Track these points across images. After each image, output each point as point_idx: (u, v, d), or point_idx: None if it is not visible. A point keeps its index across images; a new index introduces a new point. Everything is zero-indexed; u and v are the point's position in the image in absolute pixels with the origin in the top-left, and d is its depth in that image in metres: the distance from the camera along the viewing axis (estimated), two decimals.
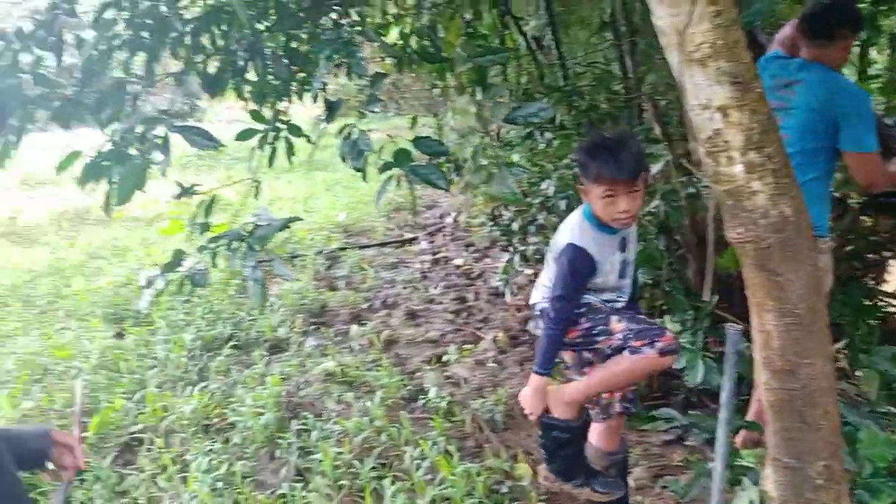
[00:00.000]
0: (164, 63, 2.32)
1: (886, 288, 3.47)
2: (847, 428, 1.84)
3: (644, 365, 1.88)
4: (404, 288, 4.89)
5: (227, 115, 14.29)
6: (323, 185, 9.09)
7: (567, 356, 2.16)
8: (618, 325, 1.91)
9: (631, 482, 2.57)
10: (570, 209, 4.56)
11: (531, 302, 2.16)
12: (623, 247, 1.96)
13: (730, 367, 1.82)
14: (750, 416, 2.47)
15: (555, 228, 4.95)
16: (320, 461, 2.70)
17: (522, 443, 2.84)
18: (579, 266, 1.88)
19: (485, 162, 2.02)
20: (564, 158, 4.35)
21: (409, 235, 6.48)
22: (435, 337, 3.98)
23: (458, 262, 5.47)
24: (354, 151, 1.86)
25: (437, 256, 5.72)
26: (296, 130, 2.28)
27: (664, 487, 2.46)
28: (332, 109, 2.09)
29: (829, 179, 2.34)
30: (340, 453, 2.75)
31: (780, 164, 1.29)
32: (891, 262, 3.58)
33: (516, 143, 4.36)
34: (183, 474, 2.73)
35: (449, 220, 6.80)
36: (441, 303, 4.57)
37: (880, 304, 3.19)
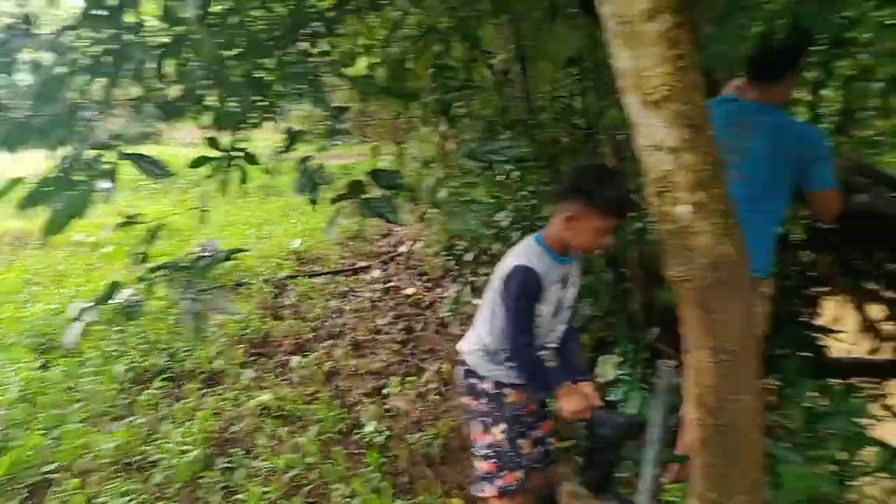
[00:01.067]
0: (123, 85, 2.25)
1: (820, 322, 3.51)
2: (772, 461, 1.82)
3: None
4: (352, 317, 4.77)
5: (183, 137, 14.10)
6: (279, 211, 8.95)
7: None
8: (497, 432, 2.00)
9: None
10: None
11: (459, 347, 2.10)
12: (564, 283, 1.93)
13: (660, 403, 1.77)
14: (679, 450, 2.43)
15: None
16: (244, 501, 2.55)
17: (458, 477, 2.73)
18: (528, 287, 1.84)
19: (444, 195, 2.01)
20: (522, 190, 4.35)
21: (362, 263, 6.37)
22: (378, 368, 3.86)
23: (409, 291, 5.38)
24: (309, 184, 1.84)
25: (389, 285, 5.62)
26: (251, 159, 2.23)
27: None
28: (291, 140, 2.06)
29: (780, 221, 2.35)
30: (267, 492, 2.61)
31: (724, 206, 1.29)
32: (825, 297, 3.63)
33: (476, 174, 4.33)
34: None
35: (403, 248, 6.72)
36: (388, 333, 4.46)
37: (813, 337, 3.21)
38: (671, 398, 1.92)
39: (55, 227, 1.77)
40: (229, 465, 2.82)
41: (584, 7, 2.81)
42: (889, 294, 3.31)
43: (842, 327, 3.42)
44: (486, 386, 1.99)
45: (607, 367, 2.99)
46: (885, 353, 3.44)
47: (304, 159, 1.89)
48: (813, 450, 1.96)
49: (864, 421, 2.06)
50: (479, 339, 2.00)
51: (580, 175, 1.88)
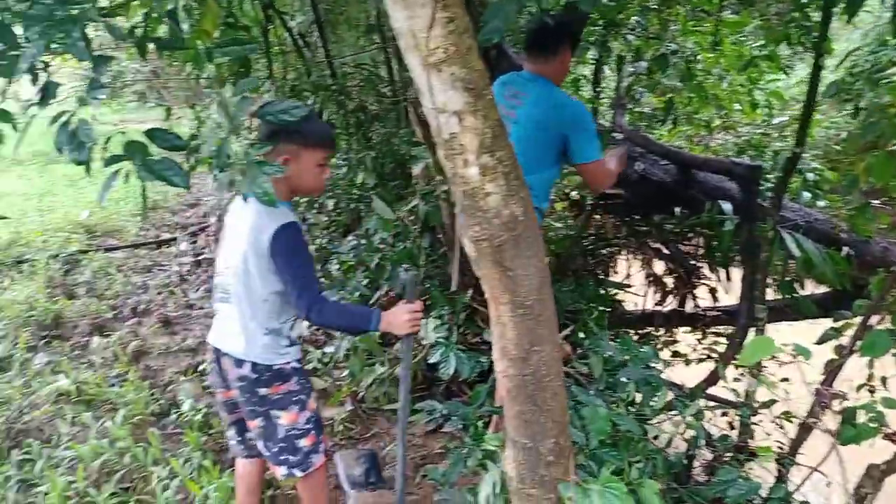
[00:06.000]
0: None
1: (614, 279, 3.98)
2: (577, 406, 2.05)
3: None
4: (158, 293, 4.48)
5: None
6: (64, 180, 8.01)
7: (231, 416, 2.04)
8: (312, 403, 1.96)
9: (393, 475, 2.62)
10: (337, 207, 4.57)
11: (235, 351, 1.89)
12: None
13: (406, 349, 1.95)
14: (497, 402, 2.64)
15: (324, 227, 4.90)
16: (46, 494, 2.35)
17: None
18: (299, 236, 1.79)
19: (233, 160, 1.90)
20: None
21: (166, 236, 5.96)
22: (193, 345, 3.69)
23: None
24: (74, 142, 1.63)
25: (199, 258, 5.33)
26: (3, 115, 1.94)
27: (423, 476, 2.54)
28: (46, 93, 1.81)
29: (547, 190, 2.53)
30: (73, 482, 2.42)
31: (510, 167, 1.37)
32: (617, 256, 4.12)
33: (257, 141, 4.22)
34: None
35: (213, 219, 6.39)
36: (202, 308, 4.26)
37: (609, 292, 3.63)
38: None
39: None
40: (26, 456, 2.56)
41: None
42: (669, 251, 3.82)
43: (632, 283, 3.90)
44: (287, 366, 1.91)
45: (427, 330, 3.14)
46: (670, 305, 3.97)
47: (62, 113, 1.68)
48: (613, 394, 2.22)
49: (657, 366, 2.35)
50: (259, 329, 1.86)
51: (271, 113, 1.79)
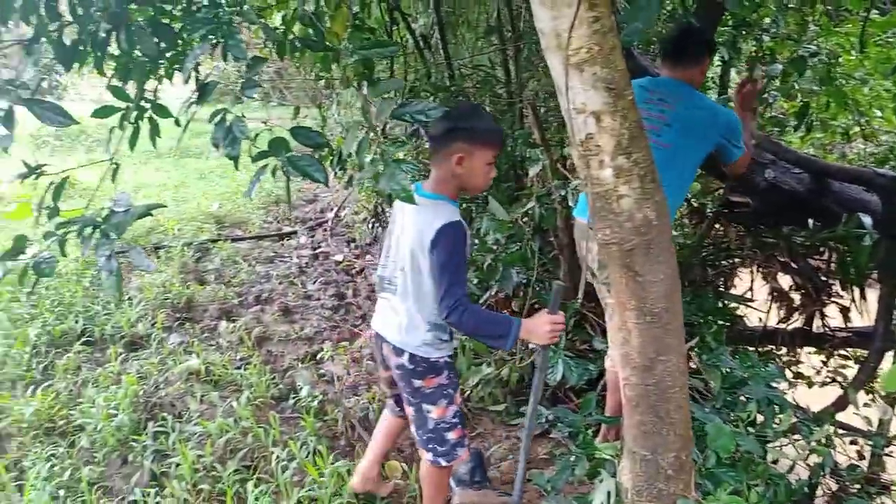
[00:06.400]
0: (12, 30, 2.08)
1: (735, 292, 3.78)
2: (695, 422, 1.97)
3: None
4: (280, 283, 4.72)
5: (91, 93, 13.25)
6: (196, 174, 8.62)
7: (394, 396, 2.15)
8: (458, 397, 2.04)
9: (497, 475, 2.63)
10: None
11: (396, 340, 1.97)
12: None
13: (542, 359, 1.92)
14: (608, 412, 2.59)
15: None
16: (178, 465, 2.54)
17: (396, 441, 2.81)
18: (462, 242, 1.84)
19: (371, 158, 1.97)
20: None
21: (287, 229, 6.27)
22: (310, 334, 3.87)
23: (338, 257, 5.37)
24: (228, 138, 1.74)
25: (317, 252, 5.58)
26: (162, 110, 2.11)
27: (528, 481, 2.52)
28: (204, 91, 1.95)
29: (682, 194, 2.54)
30: (201, 456, 2.60)
31: (646, 169, 1.34)
32: (740, 268, 3.91)
33: (402, 140, 4.34)
34: (19, 482, 2.47)
35: (330, 215, 6.66)
36: (318, 299, 4.45)
37: (728, 306, 3.46)
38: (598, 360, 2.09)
39: None
40: (161, 429, 2.78)
41: None
42: (797, 265, 3.59)
43: (754, 297, 3.70)
44: (442, 360, 1.98)
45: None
46: (795, 323, 3.73)
47: (221, 111, 1.80)
48: (732, 413, 2.11)
49: (780, 386, 2.23)
50: (423, 324, 1.92)
51: (455, 116, 1.87)
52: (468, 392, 3.11)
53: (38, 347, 3.49)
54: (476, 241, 3.57)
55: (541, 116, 3.63)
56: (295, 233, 6.13)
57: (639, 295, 1.44)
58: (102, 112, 1.97)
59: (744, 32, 3.54)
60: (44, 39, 1.99)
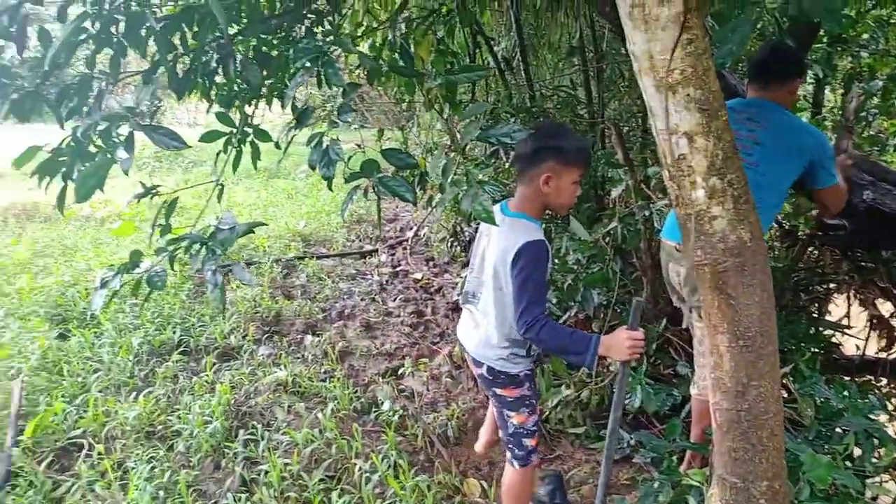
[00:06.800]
0: (128, 61, 2.27)
1: (829, 319, 3.60)
2: (787, 453, 1.89)
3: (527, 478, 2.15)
4: (361, 300, 4.85)
5: (186, 117, 14.07)
6: (283, 194, 9.00)
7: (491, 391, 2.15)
8: (539, 408, 2.11)
9: (577, 499, 2.60)
10: None
11: (475, 353, 2.04)
12: None
13: (622, 377, 1.88)
14: (693, 438, 2.52)
15: None
16: (266, 472, 2.65)
17: (473, 459, 2.83)
18: (543, 260, 1.85)
19: (456, 179, 2.02)
20: None
21: (368, 247, 6.44)
22: (390, 350, 3.95)
23: (418, 276, 5.46)
24: (325, 160, 1.83)
25: (397, 270, 5.70)
26: (263, 135, 2.24)
27: None
28: (302, 117, 2.07)
29: (773, 215, 2.48)
30: (288, 464, 2.70)
31: (740, 190, 1.32)
32: (835, 294, 3.72)
33: (484, 162, 4.41)
34: (122, 482, 2.63)
35: (410, 233, 6.79)
36: (398, 316, 4.54)
37: (823, 333, 3.29)
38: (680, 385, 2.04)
39: (80, 196, 1.79)
40: (251, 437, 2.90)
41: None
42: None
43: (851, 324, 3.51)
44: (521, 374, 2.01)
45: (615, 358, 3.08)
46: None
47: (318, 134, 1.89)
48: (826, 445, 2.02)
49: (880, 419, 2.11)
50: (501, 339, 1.96)
51: (543, 135, 1.90)
52: (547, 413, 3.10)
53: (140, 356, 3.72)
54: (556, 260, 3.57)
55: (623, 136, 3.61)
56: (376, 251, 6.29)
57: (732, 318, 1.41)
58: (209, 137, 2.12)
59: (839, 49, 3.40)
60: (161, 70, 2.16)
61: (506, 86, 4.71)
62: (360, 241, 6.77)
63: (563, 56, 5.07)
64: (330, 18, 2.69)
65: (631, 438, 2.92)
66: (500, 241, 1.93)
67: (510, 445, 2.12)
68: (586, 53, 4.20)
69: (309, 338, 4.07)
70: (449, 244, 5.87)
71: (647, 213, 3.05)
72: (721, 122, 1.28)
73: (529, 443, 2.09)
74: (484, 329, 2.01)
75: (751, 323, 1.41)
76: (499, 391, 2.04)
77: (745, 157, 2.17)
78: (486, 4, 4.34)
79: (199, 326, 4.12)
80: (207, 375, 3.49)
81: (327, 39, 2.39)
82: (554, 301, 3.46)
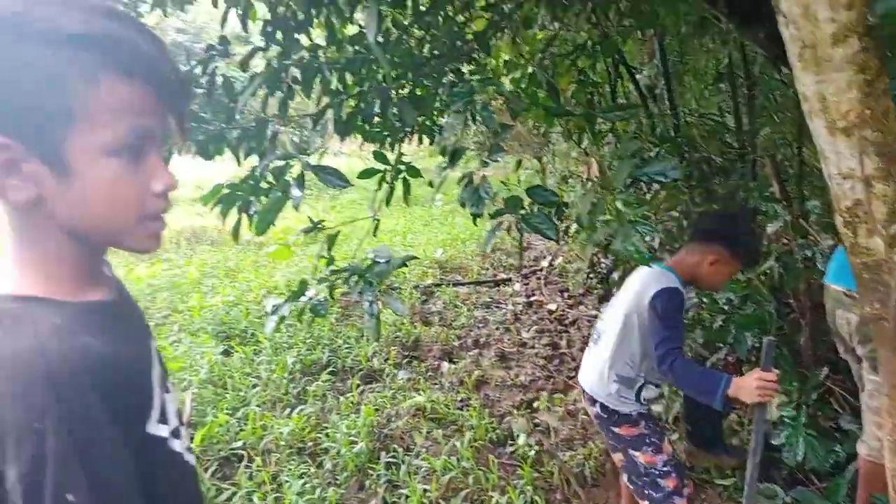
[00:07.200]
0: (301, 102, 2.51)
1: None
2: None
3: None
4: (496, 329, 4.90)
5: (333, 147, 14.98)
6: (421, 221, 9.32)
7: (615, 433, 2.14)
8: (668, 447, 2.07)
9: None
10: None
11: (589, 389, 2.15)
12: None
13: (758, 420, 1.79)
14: (859, 503, 2.30)
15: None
16: (407, 497, 2.74)
17: (611, 501, 2.75)
18: (677, 302, 1.94)
19: (606, 218, 2.07)
20: (672, 210, 4.27)
21: (503, 276, 6.50)
22: (525, 382, 3.95)
23: (552, 306, 5.43)
24: (475, 198, 1.93)
25: (531, 299, 5.70)
26: (415, 172, 2.39)
27: None
28: (454, 156, 2.18)
29: None
30: (427, 491, 2.77)
31: None
32: None
33: (636, 202, 4.31)
34: (276, 494, 2.83)
35: (544, 263, 6.77)
36: (533, 347, 4.54)
37: None
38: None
39: (259, 228, 2.00)
40: (392, 459, 3.02)
41: (739, 21, 2.74)
42: None
43: None
44: (634, 413, 2.07)
45: (770, 407, 2.88)
46: None
47: (470, 174, 1.99)
48: None
49: None
50: (612, 375, 2.06)
51: (727, 220, 2.12)
52: (691, 464, 2.95)
53: (294, 374, 4.00)
54: (705, 300, 3.42)
55: (779, 167, 3.41)
56: (510, 280, 6.33)
57: None
58: (366, 174, 2.28)
59: None
60: (328, 113, 2.36)
61: (649, 115, 4.60)
62: (495, 269, 6.85)
63: (709, 82, 4.88)
64: (477, 56, 2.80)
65: (787, 495, 2.71)
66: (639, 283, 2.05)
67: (646, 491, 2.07)
68: (735, 79, 4.02)
69: (446, 364, 4.17)
70: (585, 276, 5.79)
71: (808, 252, 2.86)
72: None
73: (667, 484, 2.03)
74: (599, 364, 2.10)
75: None
76: (616, 430, 2.08)
77: None
78: (630, 34, 4.29)
79: (346, 348, 4.36)
80: (353, 396, 3.68)
81: (477, 79, 2.51)
82: (700, 341, 3.31)
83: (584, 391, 2.18)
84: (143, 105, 0.67)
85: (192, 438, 3.21)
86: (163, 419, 0.76)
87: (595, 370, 2.12)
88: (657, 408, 3.30)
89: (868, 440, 2.25)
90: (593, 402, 2.12)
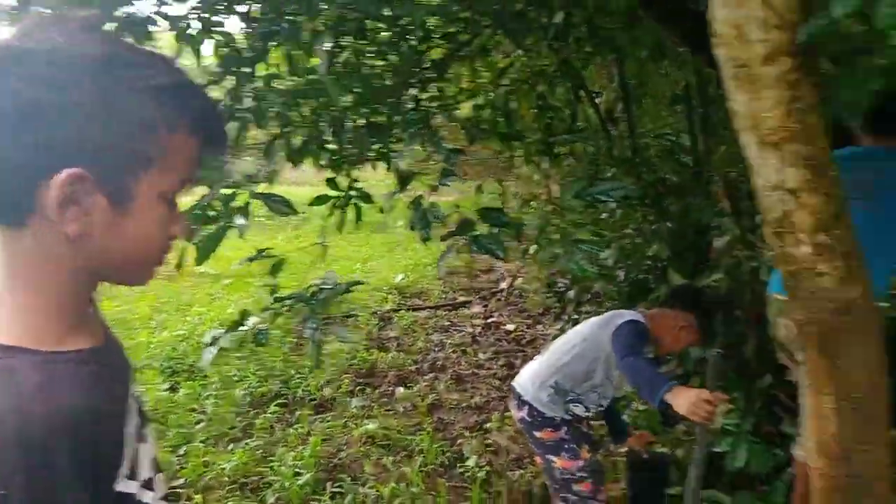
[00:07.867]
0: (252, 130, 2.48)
1: None
2: None
3: None
4: (453, 352, 4.84)
5: (292, 175, 14.89)
6: (383, 247, 9.25)
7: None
8: (586, 454, 2.15)
9: None
10: (628, 278, 4.49)
11: (521, 385, 2.24)
12: None
13: (700, 434, 1.81)
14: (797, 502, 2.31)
15: (611, 298, 4.83)
16: None
17: None
18: (643, 334, 2.08)
19: (553, 237, 2.10)
20: (626, 228, 4.31)
21: (462, 298, 6.46)
22: (480, 403, 3.89)
23: (510, 327, 5.40)
24: (423, 221, 1.93)
25: (490, 321, 5.66)
26: (366, 198, 2.37)
27: None
28: (404, 180, 2.18)
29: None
30: None
31: (849, 247, 1.24)
32: None
33: (579, 211, 4.33)
34: None
35: (504, 284, 6.75)
36: (489, 368, 4.49)
37: None
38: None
39: (199, 259, 1.95)
40: (338, 489, 2.92)
41: (692, 45, 2.79)
42: None
43: None
44: (558, 418, 2.16)
45: (715, 416, 2.88)
46: None
47: (418, 198, 1.99)
48: None
49: None
50: (550, 380, 2.15)
51: (703, 296, 2.45)
52: None
53: (242, 407, 3.87)
54: None
55: (731, 183, 3.45)
56: (470, 302, 6.29)
57: (837, 380, 1.31)
58: (318, 202, 2.28)
59: None
60: (280, 142, 2.34)
61: (608, 137, 4.63)
62: (455, 292, 6.80)
63: (667, 104, 4.95)
64: (436, 84, 2.80)
65: (730, 502, 2.69)
66: (609, 315, 2.23)
67: (561, 494, 2.14)
68: (691, 101, 4.08)
69: (400, 390, 4.09)
70: (543, 295, 5.78)
71: (753, 264, 2.88)
72: (828, 178, 1.21)
73: (580, 489, 2.10)
74: (541, 371, 2.19)
75: (858, 385, 1.30)
76: (537, 434, 2.15)
77: (865, 204, 2.02)
78: (591, 60, 4.33)
79: (298, 378, 4.25)
80: (303, 427, 3.57)
81: (433, 106, 2.53)
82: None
83: (515, 394, 2.25)
84: (197, 155, 0.71)
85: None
86: (132, 474, 0.71)
87: (535, 375, 2.21)
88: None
89: (805, 443, 2.25)
90: (521, 405, 2.19)
